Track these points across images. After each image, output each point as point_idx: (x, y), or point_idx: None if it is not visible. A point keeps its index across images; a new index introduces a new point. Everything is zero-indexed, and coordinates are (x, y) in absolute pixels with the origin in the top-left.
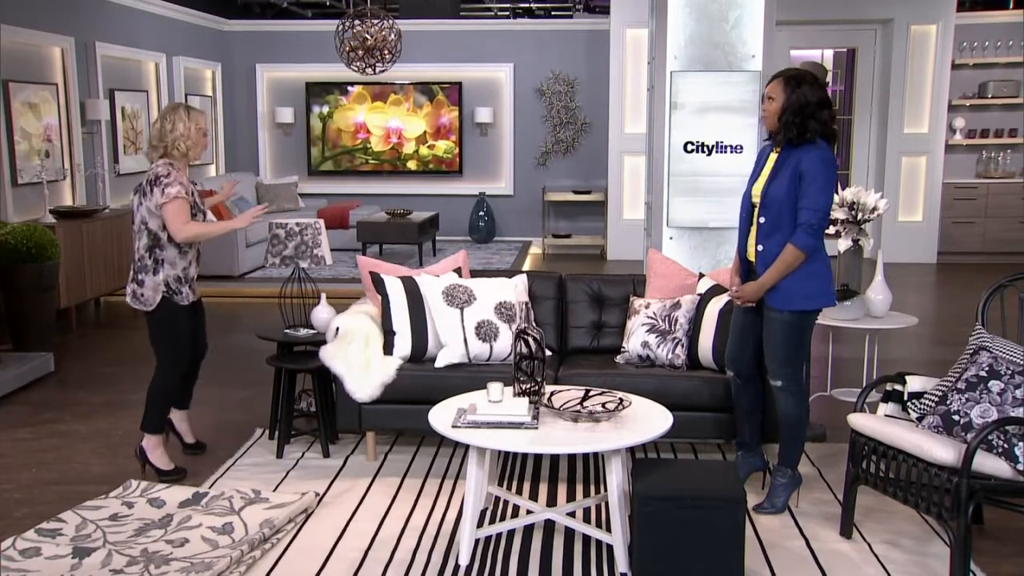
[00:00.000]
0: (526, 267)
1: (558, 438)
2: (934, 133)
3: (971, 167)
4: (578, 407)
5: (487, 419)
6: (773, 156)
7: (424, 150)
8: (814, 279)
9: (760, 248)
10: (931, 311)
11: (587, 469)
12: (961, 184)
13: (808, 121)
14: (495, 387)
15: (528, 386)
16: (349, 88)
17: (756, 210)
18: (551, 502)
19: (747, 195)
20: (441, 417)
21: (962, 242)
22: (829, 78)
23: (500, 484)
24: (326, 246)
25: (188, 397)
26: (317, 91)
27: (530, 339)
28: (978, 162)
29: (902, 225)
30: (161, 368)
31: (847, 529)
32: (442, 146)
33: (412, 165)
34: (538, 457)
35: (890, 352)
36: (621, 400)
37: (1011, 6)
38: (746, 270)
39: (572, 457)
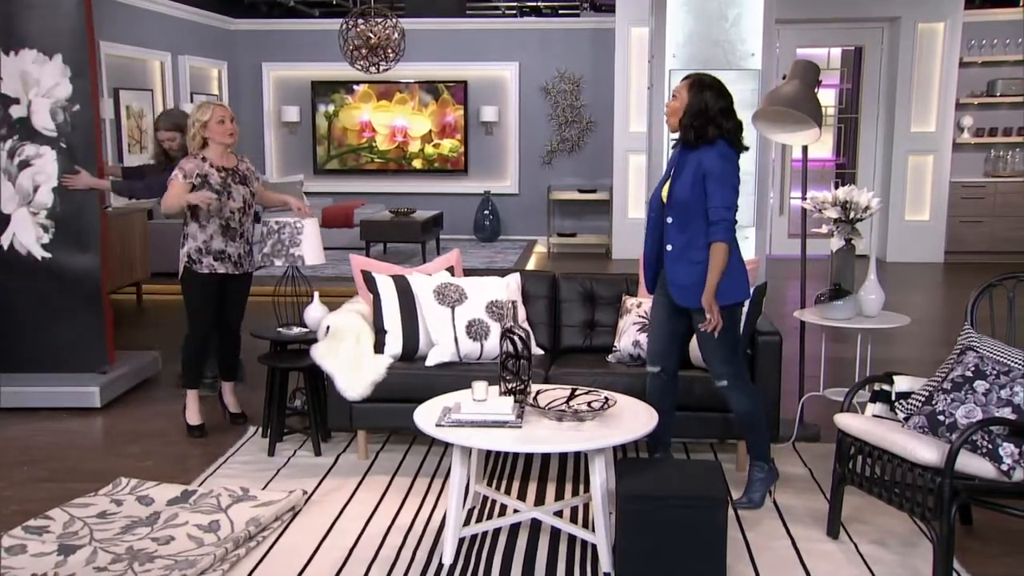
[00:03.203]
0: (530, 266)
1: (542, 437)
2: (941, 132)
3: (979, 166)
4: (563, 406)
5: (471, 418)
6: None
7: (429, 149)
8: (728, 276)
9: (669, 247)
10: (936, 311)
11: (576, 468)
12: (969, 183)
13: (707, 126)
14: (480, 386)
15: (513, 385)
16: (355, 87)
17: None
18: (539, 501)
19: (656, 196)
20: (426, 416)
21: (969, 241)
22: (823, 77)
23: (489, 483)
24: (308, 246)
25: (228, 370)
26: (323, 90)
27: (516, 338)
28: (986, 161)
29: (909, 224)
30: (188, 330)
31: (834, 529)
32: (447, 145)
33: (417, 164)
34: (527, 456)
35: (891, 352)
36: (607, 399)
37: (1020, 4)
38: (654, 267)
39: (562, 456)
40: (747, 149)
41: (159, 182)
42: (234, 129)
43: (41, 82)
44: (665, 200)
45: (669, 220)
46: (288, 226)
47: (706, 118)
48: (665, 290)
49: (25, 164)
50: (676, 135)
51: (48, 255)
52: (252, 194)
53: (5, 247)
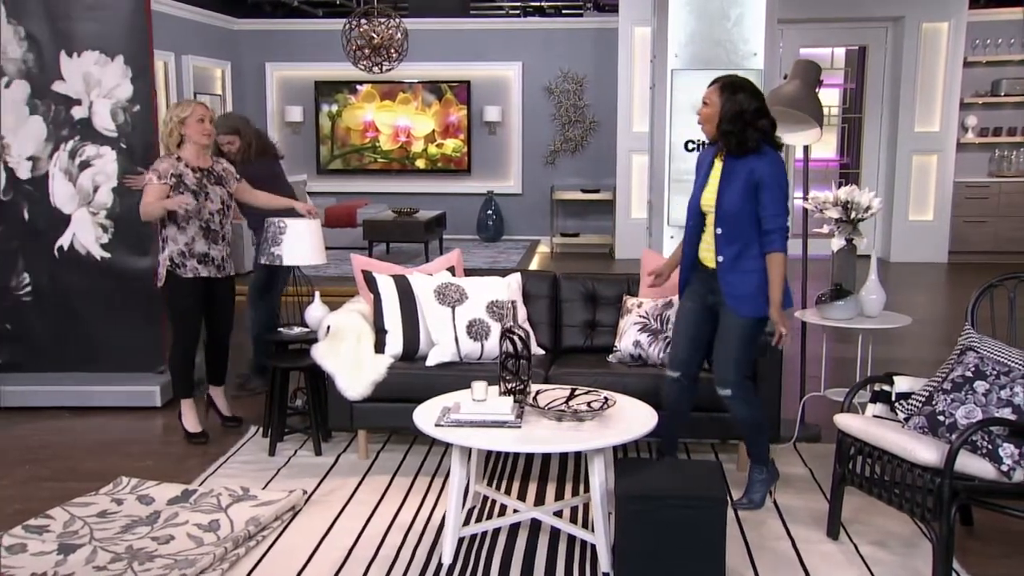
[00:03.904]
0: (533, 266)
1: (541, 437)
2: (945, 131)
3: (983, 166)
4: (563, 406)
5: (470, 418)
6: (718, 164)
7: (433, 149)
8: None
9: (721, 259)
10: (939, 311)
11: (576, 468)
12: (973, 183)
13: (747, 130)
14: (479, 386)
15: (513, 385)
16: (358, 87)
17: (709, 218)
18: (539, 501)
19: (695, 203)
20: (425, 416)
21: (973, 241)
22: (827, 77)
23: (489, 483)
24: (289, 246)
25: (218, 373)
26: (326, 90)
27: (515, 338)
28: (990, 161)
29: (912, 224)
30: (173, 338)
31: (834, 530)
32: (451, 145)
33: (421, 164)
34: (528, 456)
35: (893, 352)
36: (606, 399)
37: None
38: (688, 273)
39: (562, 456)
40: (783, 146)
41: None
42: (211, 130)
43: (103, 83)
44: (704, 208)
45: (719, 231)
46: (272, 225)
47: (743, 121)
48: (697, 297)
49: (86, 164)
50: (710, 141)
51: (107, 255)
52: (230, 195)
53: (65, 247)
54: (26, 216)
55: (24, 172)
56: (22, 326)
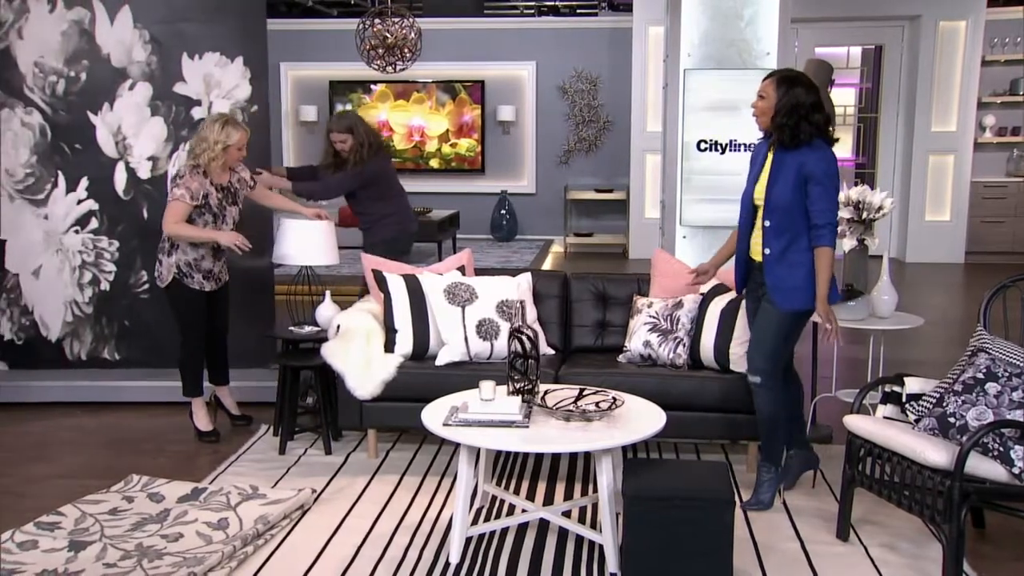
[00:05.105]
0: (546, 266)
1: (549, 437)
2: (962, 131)
3: (1001, 165)
4: (571, 406)
5: (478, 417)
6: (771, 156)
7: (446, 148)
8: (814, 281)
9: (767, 251)
10: (955, 311)
11: (585, 468)
12: (990, 183)
13: (801, 123)
14: (487, 385)
15: (521, 385)
16: (372, 86)
17: (759, 212)
18: (548, 501)
19: (748, 196)
20: (434, 415)
21: (991, 242)
22: (835, 75)
23: (498, 483)
24: (280, 246)
25: (221, 373)
26: (341, 89)
27: (524, 337)
28: (1008, 160)
29: (929, 224)
30: (181, 340)
31: (843, 531)
32: (464, 144)
33: (434, 163)
34: (537, 456)
35: (908, 353)
36: (614, 399)
37: None
38: (745, 270)
39: (572, 456)
40: (837, 140)
41: (335, 181)
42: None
43: (223, 84)
44: (756, 201)
45: (767, 224)
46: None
47: (799, 115)
48: (753, 296)
49: None
50: (765, 135)
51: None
52: (240, 211)
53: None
54: (145, 215)
55: (144, 172)
56: (141, 323)
